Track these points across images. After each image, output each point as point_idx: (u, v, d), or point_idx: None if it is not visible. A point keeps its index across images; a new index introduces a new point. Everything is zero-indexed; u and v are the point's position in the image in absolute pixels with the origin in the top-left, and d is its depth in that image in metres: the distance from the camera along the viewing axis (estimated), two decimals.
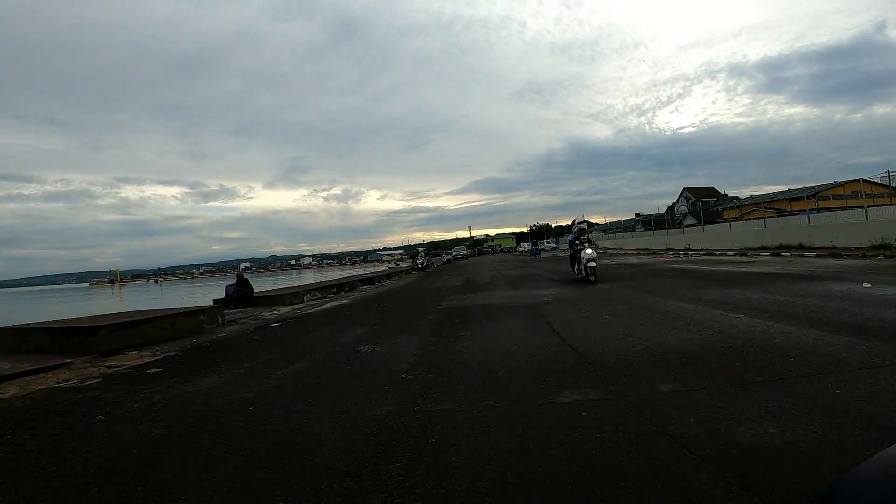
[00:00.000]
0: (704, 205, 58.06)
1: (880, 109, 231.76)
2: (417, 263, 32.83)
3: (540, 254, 40.98)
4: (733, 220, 40.57)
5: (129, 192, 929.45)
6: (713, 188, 57.70)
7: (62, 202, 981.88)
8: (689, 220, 52.60)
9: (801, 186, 39.60)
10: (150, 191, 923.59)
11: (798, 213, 29.29)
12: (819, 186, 36.11)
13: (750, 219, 34.96)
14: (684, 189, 58.19)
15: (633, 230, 59.03)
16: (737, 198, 53.52)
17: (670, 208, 61.61)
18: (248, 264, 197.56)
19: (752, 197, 46.42)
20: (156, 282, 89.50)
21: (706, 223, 42.25)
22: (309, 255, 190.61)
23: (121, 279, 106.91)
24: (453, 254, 62.73)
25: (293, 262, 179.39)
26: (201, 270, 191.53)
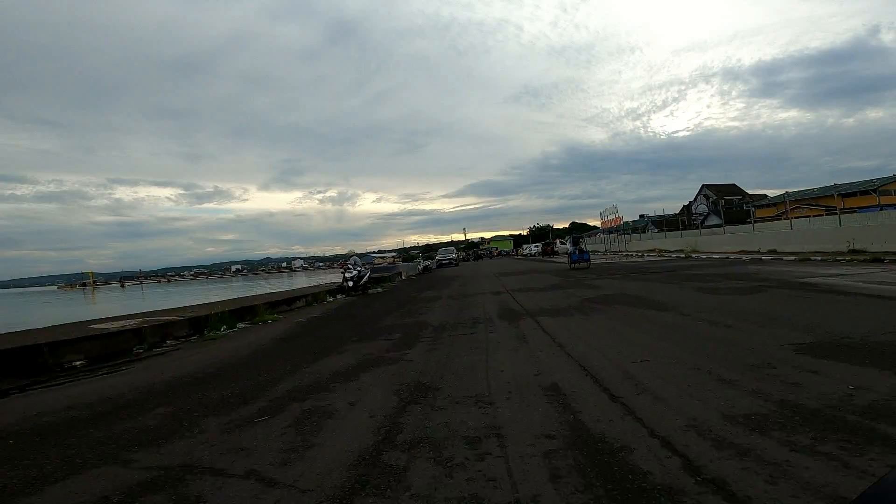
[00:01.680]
0: (728, 203, 52.79)
1: (873, 114, 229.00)
2: (346, 279, 15.86)
3: (589, 260, 21.00)
4: (768, 218, 35.32)
5: (123, 193, 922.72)
6: (735, 185, 52.41)
7: (55, 203, 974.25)
8: (713, 220, 47.30)
9: (848, 182, 34.20)
10: (143, 192, 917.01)
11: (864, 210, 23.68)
12: (878, 180, 30.77)
13: (797, 217, 29.71)
14: (703, 186, 52.92)
15: (645, 231, 54.04)
16: (764, 195, 48.26)
17: (687, 207, 56.46)
18: (238, 266, 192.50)
19: (787, 194, 41.04)
20: (122, 287, 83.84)
21: (732, 223, 37.00)
22: (301, 258, 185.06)
23: (94, 282, 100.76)
24: (439, 258, 42.78)
25: (284, 264, 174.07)
26: (193, 272, 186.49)
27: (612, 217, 35.05)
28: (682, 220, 43.83)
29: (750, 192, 51.94)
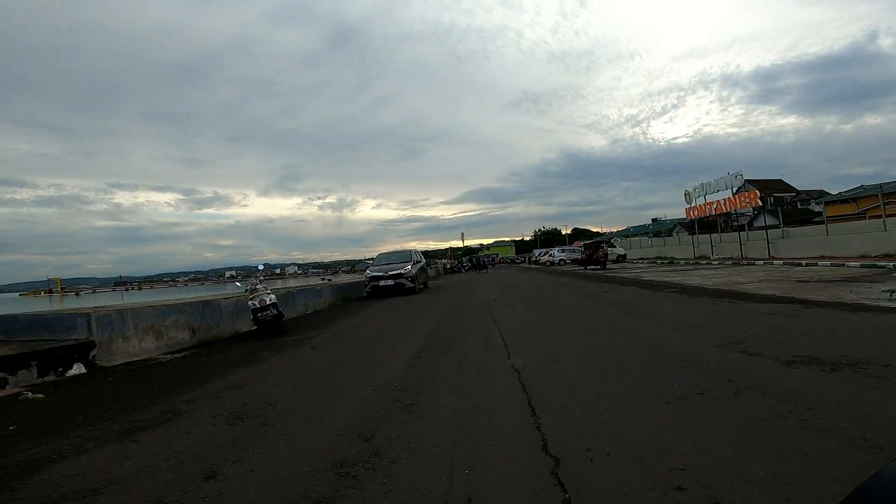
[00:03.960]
0: (777, 201, 45.09)
1: (871, 120, 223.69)
2: None
3: None
4: (846, 217, 27.90)
5: (122, 197, 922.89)
6: (781, 181, 44.91)
7: (54, 207, 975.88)
8: (764, 221, 39.53)
9: None
10: (143, 197, 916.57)
11: None
12: None
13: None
14: (745, 182, 45.30)
15: (670, 234, 47.05)
16: (822, 191, 40.72)
17: None
18: (232, 273, 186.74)
19: (862, 188, 33.58)
20: (76, 295, 77.66)
21: (790, 224, 29.78)
22: (296, 265, 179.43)
23: (62, 289, 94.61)
24: (371, 274, 15.61)
25: (277, 271, 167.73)
26: (189, 278, 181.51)
27: (725, 195, 20.23)
28: (720, 223, 36.84)
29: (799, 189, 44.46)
